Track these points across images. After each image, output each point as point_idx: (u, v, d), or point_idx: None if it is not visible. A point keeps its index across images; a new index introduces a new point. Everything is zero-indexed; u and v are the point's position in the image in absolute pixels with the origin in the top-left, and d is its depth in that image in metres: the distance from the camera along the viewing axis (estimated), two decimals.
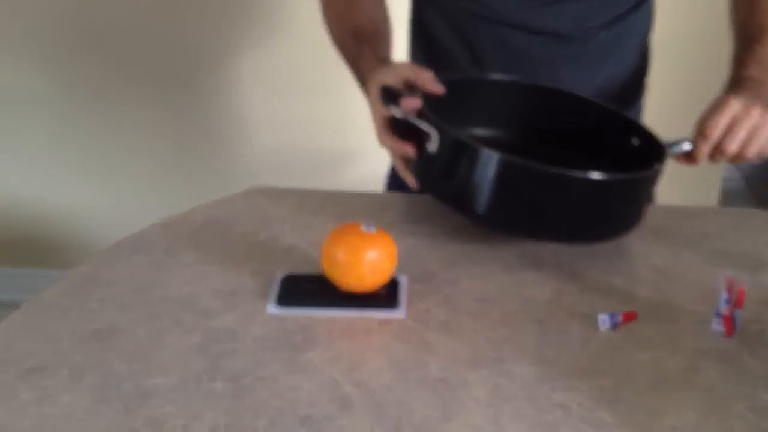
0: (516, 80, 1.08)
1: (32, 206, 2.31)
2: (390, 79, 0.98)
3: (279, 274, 0.90)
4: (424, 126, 0.92)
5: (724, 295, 0.81)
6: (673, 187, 1.01)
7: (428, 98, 0.95)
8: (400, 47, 1.28)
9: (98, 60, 2.11)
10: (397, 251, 0.86)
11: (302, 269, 0.92)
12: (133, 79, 2.13)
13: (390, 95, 0.95)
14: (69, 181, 2.27)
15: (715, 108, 0.97)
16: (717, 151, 0.97)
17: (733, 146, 0.96)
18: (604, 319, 0.83)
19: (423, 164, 0.96)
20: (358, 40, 1.12)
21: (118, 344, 0.79)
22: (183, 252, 0.96)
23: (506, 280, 0.91)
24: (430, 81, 0.96)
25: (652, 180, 0.96)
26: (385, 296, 0.86)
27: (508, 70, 1.13)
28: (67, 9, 2.05)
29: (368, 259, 0.84)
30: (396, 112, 0.93)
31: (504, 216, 0.92)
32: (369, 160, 2.15)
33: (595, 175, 0.87)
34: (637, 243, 1.00)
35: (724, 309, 0.81)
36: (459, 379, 0.75)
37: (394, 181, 1.23)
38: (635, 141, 1.03)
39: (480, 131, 1.08)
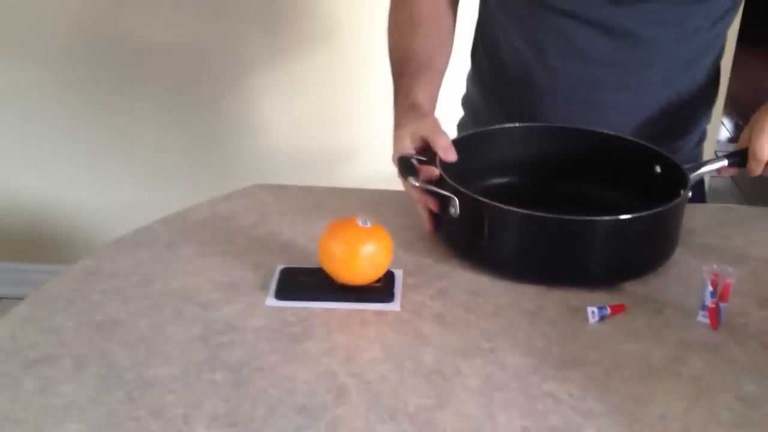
0: (528, 125, 1.09)
1: (37, 202, 2.32)
2: (408, 144, 1.00)
3: (278, 268, 0.92)
4: (444, 192, 0.93)
5: (709, 289, 0.83)
6: None
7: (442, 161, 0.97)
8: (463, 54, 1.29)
9: (105, 59, 2.12)
10: (392, 245, 0.88)
11: (300, 263, 0.93)
12: (140, 78, 2.13)
13: (408, 166, 0.97)
14: (74, 177, 2.28)
15: (759, 129, 0.99)
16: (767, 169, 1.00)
17: None
18: (593, 312, 0.85)
19: (447, 227, 0.97)
20: (402, 71, 1.12)
21: (121, 335, 0.81)
22: (184, 246, 0.98)
23: (498, 274, 0.93)
24: (445, 149, 0.97)
25: (678, 210, 0.95)
26: (381, 289, 0.88)
27: (573, 72, 1.12)
28: (80, 10, 2.06)
29: (364, 252, 0.86)
30: (414, 182, 0.95)
31: (536, 268, 0.92)
32: (374, 157, 2.17)
33: (621, 216, 0.87)
34: None
35: (709, 302, 0.84)
36: (452, 369, 0.77)
37: None
38: (658, 168, 1.03)
39: (499, 180, 1.08)
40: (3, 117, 2.21)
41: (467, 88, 1.33)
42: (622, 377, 0.76)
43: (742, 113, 4.23)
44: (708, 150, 2.22)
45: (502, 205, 0.88)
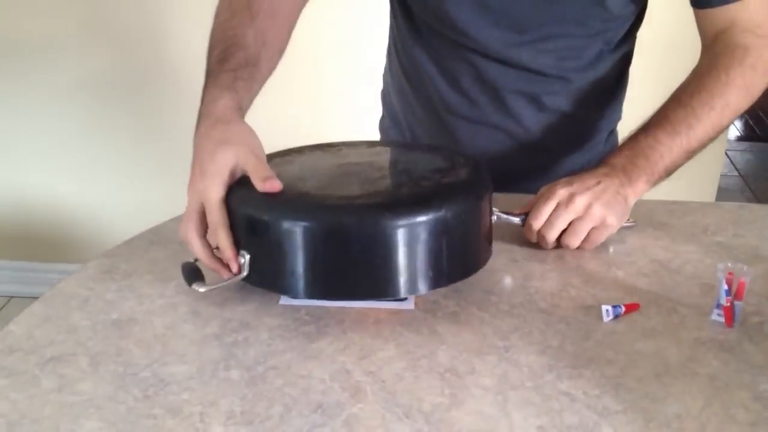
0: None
1: (50, 202, 2.33)
2: (220, 188, 0.82)
3: None
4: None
5: (724, 287, 0.83)
6: (673, 183, 1.03)
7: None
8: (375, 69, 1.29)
9: (116, 62, 2.12)
10: None
11: None
12: (151, 80, 2.14)
13: (195, 273, 0.86)
14: (87, 177, 2.29)
15: (543, 195, 0.96)
16: (540, 238, 0.96)
17: (551, 235, 0.95)
18: (607, 310, 0.85)
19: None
20: (227, 55, 0.94)
21: (136, 334, 0.82)
22: None
23: (512, 272, 0.93)
24: (265, 180, 0.81)
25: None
26: None
27: (486, 100, 1.13)
28: (90, 6, 2.07)
29: None
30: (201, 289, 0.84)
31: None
32: None
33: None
34: (638, 237, 1.02)
35: (724, 300, 0.84)
36: (467, 367, 0.77)
37: None
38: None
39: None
40: (17, 117, 2.22)
41: (384, 83, 1.33)
42: (637, 376, 0.76)
43: (751, 112, 4.22)
44: (719, 149, 2.22)
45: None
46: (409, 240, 0.80)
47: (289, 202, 0.82)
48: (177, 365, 0.77)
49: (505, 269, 0.94)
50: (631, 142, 1.00)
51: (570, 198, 0.94)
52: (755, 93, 1.03)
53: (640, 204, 1.05)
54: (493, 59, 1.10)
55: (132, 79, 2.15)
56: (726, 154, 3.47)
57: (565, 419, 0.70)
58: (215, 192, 0.82)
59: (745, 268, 0.85)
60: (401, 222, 0.80)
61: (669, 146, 0.98)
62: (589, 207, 0.93)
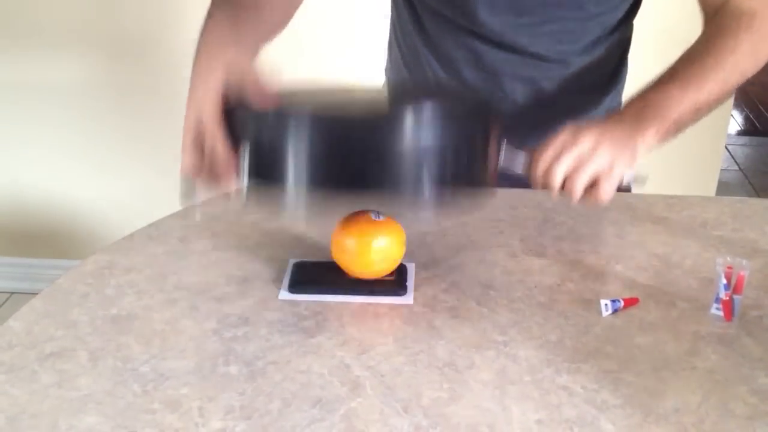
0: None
1: (49, 198, 2.33)
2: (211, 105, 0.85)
3: (290, 262, 0.93)
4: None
5: (723, 281, 0.83)
6: (673, 177, 1.03)
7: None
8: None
9: (115, 58, 2.12)
10: (405, 238, 0.88)
11: (313, 256, 0.94)
12: (150, 76, 2.14)
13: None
14: (86, 173, 2.29)
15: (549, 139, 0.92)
16: (545, 181, 0.90)
17: (555, 176, 0.88)
18: (606, 305, 0.85)
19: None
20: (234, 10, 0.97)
21: (136, 329, 0.82)
22: (197, 240, 0.98)
23: (511, 267, 0.93)
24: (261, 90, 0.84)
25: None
26: (394, 282, 0.89)
27: (484, 86, 1.13)
28: (88, 6, 2.07)
29: (377, 246, 0.86)
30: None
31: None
32: None
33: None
34: (637, 231, 1.02)
35: (723, 294, 0.84)
36: (466, 362, 0.77)
37: None
38: None
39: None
40: (15, 114, 2.22)
41: (385, 77, 1.32)
42: (636, 370, 0.76)
43: (752, 106, 4.22)
44: (718, 144, 2.22)
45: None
46: (412, 133, 0.79)
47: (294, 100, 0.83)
48: (176, 360, 0.77)
49: (504, 264, 0.94)
50: (640, 95, 0.98)
51: (575, 138, 0.89)
52: (762, 59, 1.03)
53: (639, 198, 1.05)
54: (492, 43, 1.10)
55: (131, 75, 2.15)
56: (726, 148, 3.47)
57: (564, 413, 0.70)
58: (210, 103, 0.84)
59: (744, 262, 0.85)
60: (405, 111, 0.79)
61: (679, 99, 0.95)
62: (595, 148, 0.88)
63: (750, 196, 3.04)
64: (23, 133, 2.25)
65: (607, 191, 0.89)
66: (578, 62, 1.13)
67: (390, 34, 1.27)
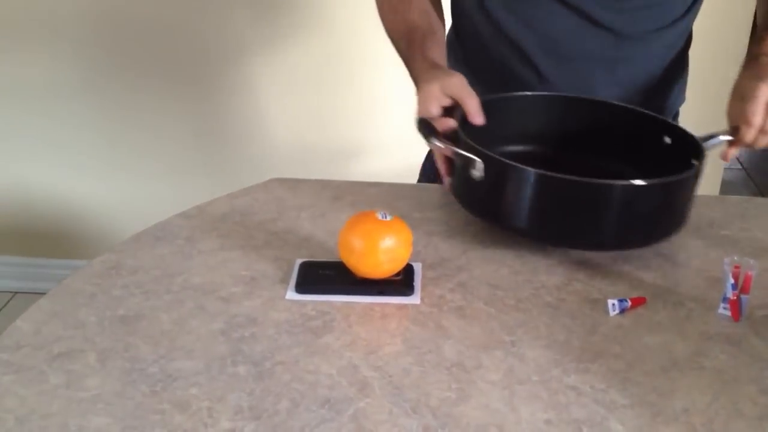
0: (542, 94, 1.10)
1: (55, 198, 2.33)
2: (434, 102, 1.00)
3: (297, 262, 0.93)
4: (466, 154, 0.93)
5: (730, 281, 0.83)
6: None
7: (465, 121, 0.98)
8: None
9: (122, 57, 2.12)
10: (412, 238, 0.88)
11: (320, 256, 0.94)
12: (156, 76, 2.14)
13: (429, 128, 0.97)
14: (91, 173, 2.29)
15: (751, 96, 1.00)
16: (761, 134, 1.01)
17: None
18: (613, 304, 0.85)
19: (467, 188, 0.97)
20: (409, 42, 1.12)
21: (143, 329, 0.82)
22: (204, 240, 0.98)
23: (518, 267, 0.93)
24: (474, 113, 0.99)
25: (692, 180, 0.95)
26: (401, 282, 0.88)
27: (558, 73, 1.14)
28: (94, 4, 2.07)
29: (384, 246, 0.86)
30: (437, 143, 0.95)
31: (551, 229, 0.94)
32: (382, 153, 2.18)
33: (636, 182, 0.88)
34: None
35: (730, 294, 0.84)
36: (474, 362, 0.77)
37: (428, 173, 1.24)
38: (668, 140, 1.04)
39: (514, 148, 1.09)
40: (23, 112, 2.22)
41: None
42: (644, 370, 0.76)
43: None
44: None
45: (527, 168, 0.89)
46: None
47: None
48: (184, 361, 0.77)
49: (511, 264, 0.94)
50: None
51: None
52: None
53: None
54: (571, 18, 1.10)
55: (138, 74, 2.15)
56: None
57: (573, 413, 0.70)
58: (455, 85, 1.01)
59: (751, 261, 0.85)
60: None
61: None
62: None
63: (753, 194, 3.03)
64: (30, 133, 2.25)
65: None
66: (656, 39, 1.14)
67: (450, 33, 1.28)
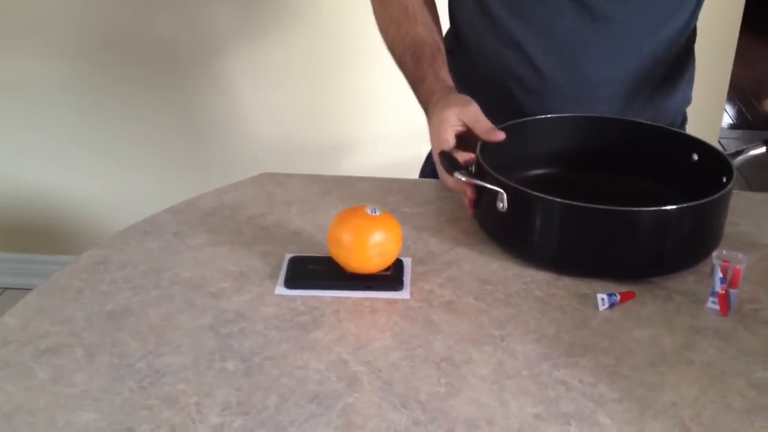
0: (563, 116, 1.08)
1: (42, 193, 2.32)
2: (449, 130, 0.99)
3: (286, 257, 0.92)
4: (492, 187, 0.91)
5: (719, 275, 0.83)
6: None
7: (484, 148, 0.97)
8: None
9: (109, 52, 2.12)
10: (401, 233, 0.88)
11: (309, 251, 0.93)
12: (144, 71, 2.13)
13: (452, 161, 0.96)
14: (79, 168, 2.28)
15: None
16: None
17: None
18: (602, 299, 0.85)
19: (492, 219, 0.96)
20: (417, 59, 1.11)
21: (131, 325, 0.81)
22: (192, 235, 0.98)
23: (507, 262, 0.93)
24: (488, 132, 0.98)
25: (723, 201, 0.92)
26: (390, 277, 0.88)
27: (561, 71, 1.12)
28: (80, 7, 2.06)
29: (373, 241, 0.86)
30: (462, 177, 0.93)
31: (584, 260, 0.91)
32: (371, 149, 2.17)
33: (669, 207, 0.86)
34: None
35: (719, 288, 0.84)
36: (463, 357, 0.77)
37: (428, 176, 1.22)
38: (695, 157, 1.02)
39: (537, 171, 1.08)
40: (9, 108, 2.21)
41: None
42: (633, 364, 0.76)
43: (744, 100, 4.23)
44: (711, 138, 2.22)
45: (554, 198, 0.87)
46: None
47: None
48: (172, 356, 0.77)
49: (500, 258, 0.94)
50: None
51: None
52: None
53: None
54: (574, 3, 1.08)
55: (125, 69, 2.14)
56: (719, 141, 3.47)
57: (562, 407, 0.70)
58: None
59: (740, 255, 0.85)
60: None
61: None
62: None
63: (743, 189, 3.04)
64: (17, 129, 2.24)
65: None
66: (656, 34, 1.12)
67: (448, 34, 1.27)
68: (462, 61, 1.21)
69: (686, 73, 1.23)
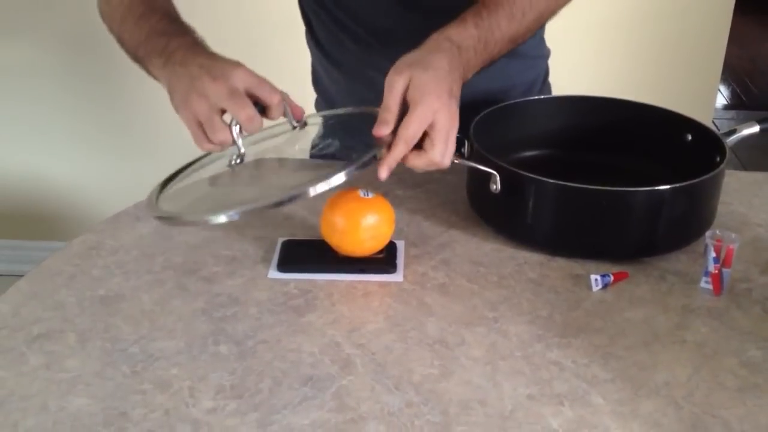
0: (556, 97, 1.09)
1: (34, 179, 2.31)
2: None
3: (279, 240, 0.92)
4: (485, 168, 0.90)
5: (712, 254, 0.83)
6: None
7: (478, 130, 0.96)
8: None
9: (97, 38, 2.08)
10: (394, 216, 0.88)
11: (302, 235, 0.93)
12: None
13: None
14: (69, 154, 2.27)
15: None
16: None
17: None
18: (596, 280, 0.85)
19: (485, 201, 0.95)
20: (174, 18, 0.99)
21: (124, 309, 0.81)
22: None
23: (500, 244, 0.93)
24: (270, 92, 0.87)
25: (715, 181, 0.92)
26: (384, 260, 0.88)
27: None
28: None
29: (366, 224, 0.86)
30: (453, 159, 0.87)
31: (578, 241, 0.91)
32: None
33: (660, 188, 0.86)
34: None
35: (712, 268, 0.84)
36: (456, 338, 0.77)
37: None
38: (689, 137, 1.02)
39: (530, 153, 1.08)
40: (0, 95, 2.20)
41: (312, 67, 1.30)
42: (626, 344, 0.76)
43: (738, 80, 4.22)
44: (705, 118, 2.22)
45: (547, 179, 0.86)
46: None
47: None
48: (165, 340, 0.77)
49: (493, 240, 0.94)
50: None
51: None
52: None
53: None
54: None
55: (114, 54, 2.13)
56: (713, 122, 3.47)
57: (555, 388, 0.70)
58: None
59: (732, 235, 0.85)
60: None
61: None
62: None
63: (737, 169, 3.04)
64: (6, 114, 2.22)
65: None
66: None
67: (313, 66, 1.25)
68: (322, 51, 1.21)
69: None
